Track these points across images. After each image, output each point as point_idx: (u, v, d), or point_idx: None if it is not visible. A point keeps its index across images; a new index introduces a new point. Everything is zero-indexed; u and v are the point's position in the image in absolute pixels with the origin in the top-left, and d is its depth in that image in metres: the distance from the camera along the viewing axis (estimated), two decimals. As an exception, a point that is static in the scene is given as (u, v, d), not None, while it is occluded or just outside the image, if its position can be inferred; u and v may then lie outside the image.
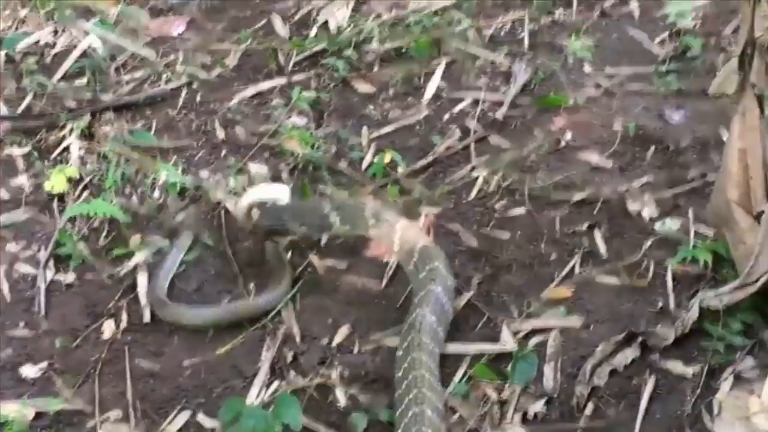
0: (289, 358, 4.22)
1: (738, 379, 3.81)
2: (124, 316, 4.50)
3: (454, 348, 4.12)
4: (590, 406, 3.86)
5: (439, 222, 4.81)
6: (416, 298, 4.13)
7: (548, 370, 3.99)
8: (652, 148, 5.02)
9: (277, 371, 4.18)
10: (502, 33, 5.92)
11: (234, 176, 5.16)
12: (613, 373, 3.95)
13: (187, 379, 4.20)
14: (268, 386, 4.13)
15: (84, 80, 5.89)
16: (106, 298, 4.59)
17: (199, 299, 4.57)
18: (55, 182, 5.15)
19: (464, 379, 4.01)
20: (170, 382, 4.20)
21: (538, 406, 3.87)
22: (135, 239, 4.86)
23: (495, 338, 4.18)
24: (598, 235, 4.58)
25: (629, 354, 3.98)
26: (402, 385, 3.77)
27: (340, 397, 4.05)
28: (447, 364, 4.06)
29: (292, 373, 4.16)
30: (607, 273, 4.39)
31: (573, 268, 4.45)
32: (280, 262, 4.51)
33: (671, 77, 5.41)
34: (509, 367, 4.01)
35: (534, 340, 4.14)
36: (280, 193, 4.67)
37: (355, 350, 4.23)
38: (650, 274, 4.32)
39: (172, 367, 4.27)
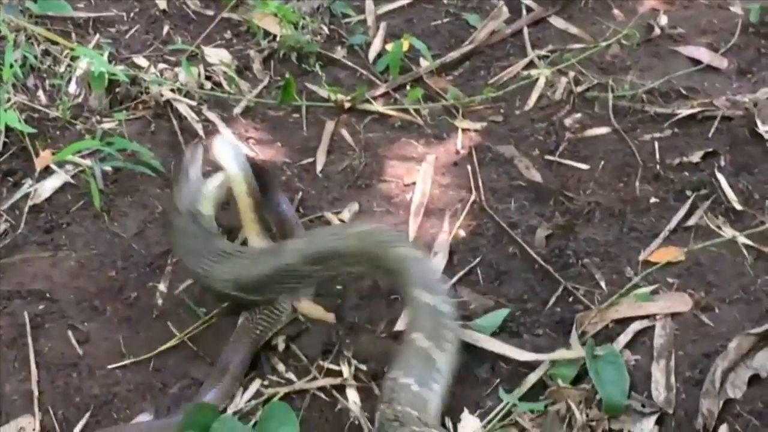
0: (281, 345, 3.57)
1: None
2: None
3: (510, 351, 3.49)
4: (723, 430, 3.24)
5: (483, 142, 4.19)
6: None
7: (658, 373, 3.41)
8: (786, 40, 4.43)
9: (259, 364, 3.55)
10: None
11: (185, 65, 4.46)
12: (753, 380, 3.34)
13: (127, 373, 3.55)
14: (245, 387, 3.49)
15: None
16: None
17: (141, 249, 3.91)
18: (-75, 69, 4.41)
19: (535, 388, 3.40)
20: (102, 376, 3.54)
21: (647, 425, 3.26)
22: (43, 156, 4.11)
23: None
24: (717, 170, 3.99)
25: (776, 352, 3.37)
26: None
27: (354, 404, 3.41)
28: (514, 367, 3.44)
29: (282, 366, 3.51)
30: (735, 226, 3.80)
31: (685, 218, 3.86)
32: None
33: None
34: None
35: (633, 327, 3.51)
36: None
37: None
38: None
39: (104, 353, 3.61)
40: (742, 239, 3.75)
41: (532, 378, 3.41)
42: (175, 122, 4.35)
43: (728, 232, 3.80)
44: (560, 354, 3.43)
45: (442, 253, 3.80)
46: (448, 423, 3.30)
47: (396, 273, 3.46)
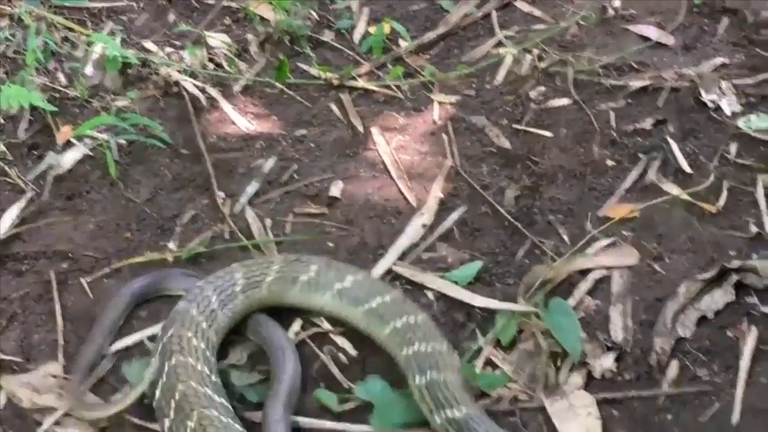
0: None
1: None
2: (55, 237, 3.75)
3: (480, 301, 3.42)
4: (674, 365, 3.21)
5: (457, 114, 4.10)
6: None
7: (615, 314, 3.35)
8: (725, 20, 4.40)
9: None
10: None
11: (190, 49, 4.38)
12: (701, 321, 3.30)
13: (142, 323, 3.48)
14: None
15: None
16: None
17: (153, 213, 3.77)
18: (-44, 55, 4.33)
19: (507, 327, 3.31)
20: (120, 326, 3.47)
21: (606, 362, 3.20)
22: (64, 131, 4.03)
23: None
24: (667, 135, 3.93)
25: (720, 296, 3.35)
26: None
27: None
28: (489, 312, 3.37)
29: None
30: (683, 185, 3.75)
31: (639, 178, 3.81)
32: None
33: None
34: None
35: (593, 276, 3.46)
36: None
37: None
38: (743, 189, 3.71)
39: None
40: (686, 197, 3.68)
41: (502, 321, 3.34)
42: (187, 98, 4.23)
43: (676, 190, 3.72)
44: (509, 306, 3.36)
45: (428, 215, 3.74)
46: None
47: None
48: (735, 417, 3.06)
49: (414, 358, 3.14)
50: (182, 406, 2.96)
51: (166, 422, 3.01)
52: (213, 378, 3.09)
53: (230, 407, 3.04)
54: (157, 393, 3.07)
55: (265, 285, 3.38)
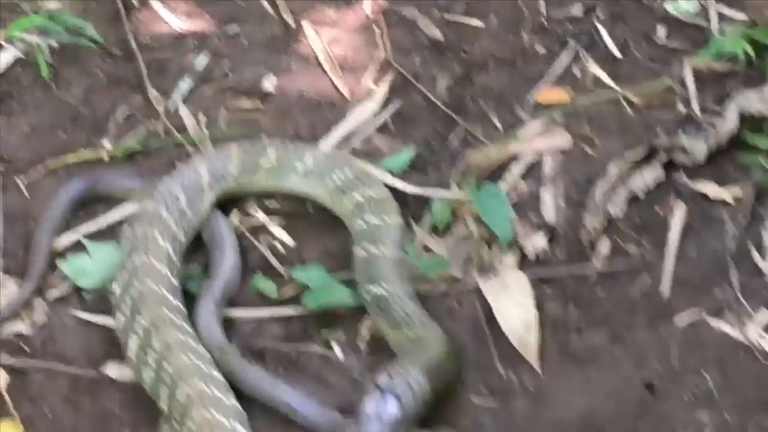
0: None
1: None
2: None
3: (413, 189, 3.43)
4: (605, 244, 3.24)
5: (389, 7, 4.05)
6: None
7: (547, 195, 3.38)
8: None
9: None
10: None
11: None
12: (631, 201, 3.34)
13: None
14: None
15: None
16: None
17: (87, 113, 3.72)
18: None
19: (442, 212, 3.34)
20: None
21: (539, 243, 3.22)
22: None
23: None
24: (596, 21, 3.91)
25: (650, 175, 3.37)
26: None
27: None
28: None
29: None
30: (611, 70, 3.75)
31: (570, 64, 3.80)
32: None
33: None
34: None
35: (525, 160, 3.47)
36: None
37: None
38: (672, 71, 3.69)
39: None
40: (619, 79, 3.70)
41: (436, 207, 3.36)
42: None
43: (605, 75, 3.73)
44: (441, 193, 3.39)
45: (362, 106, 3.74)
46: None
47: None
48: (665, 290, 3.10)
49: (363, 231, 3.14)
50: (137, 306, 2.93)
51: (122, 319, 2.98)
52: (173, 280, 3.06)
53: (185, 310, 3.02)
54: (117, 290, 3.04)
55: (231, 177, 3.35)
